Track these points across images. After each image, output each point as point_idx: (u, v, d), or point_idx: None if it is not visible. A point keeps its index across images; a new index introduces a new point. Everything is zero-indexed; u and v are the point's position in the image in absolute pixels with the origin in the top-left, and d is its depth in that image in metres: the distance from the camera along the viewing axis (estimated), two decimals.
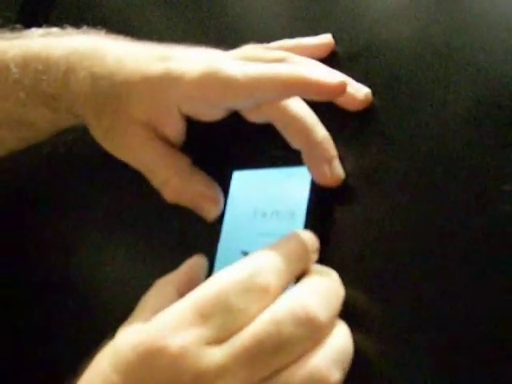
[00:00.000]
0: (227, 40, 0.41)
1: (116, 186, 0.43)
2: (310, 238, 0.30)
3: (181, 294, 0.29)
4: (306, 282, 0.27)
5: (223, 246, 0.33)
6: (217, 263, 0.33)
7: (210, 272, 0.32)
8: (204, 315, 0.24)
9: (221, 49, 0.37)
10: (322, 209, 0.32)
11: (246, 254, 0.31)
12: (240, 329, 0.24)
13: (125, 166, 0.37)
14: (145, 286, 0.31)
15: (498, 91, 0.30)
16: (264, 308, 0.25)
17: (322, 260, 0.30)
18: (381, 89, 0.34)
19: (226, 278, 0.25)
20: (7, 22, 0.42)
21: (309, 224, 0.31)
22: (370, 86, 0.34)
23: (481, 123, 0.30)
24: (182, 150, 0.38)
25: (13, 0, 0.58)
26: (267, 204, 0.33)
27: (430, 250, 0.28)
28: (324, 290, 0.27)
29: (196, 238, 0.37)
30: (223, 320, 0.24)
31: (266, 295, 0.25)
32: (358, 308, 0.29)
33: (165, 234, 0.39)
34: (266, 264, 0.26)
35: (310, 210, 0.31)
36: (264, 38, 0.39)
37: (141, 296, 0.31)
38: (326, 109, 0.34)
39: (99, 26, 0.40)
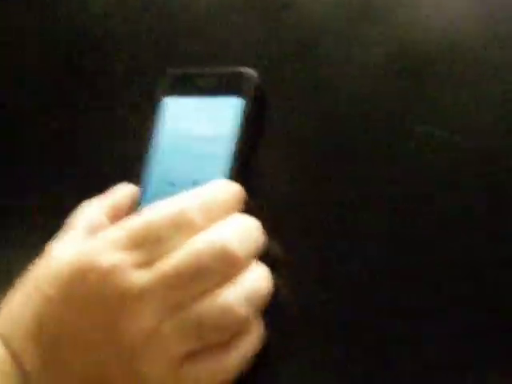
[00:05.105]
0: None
1: None
2: (239, 190, 0.30)
3: (108, 217, 0.32)
4: (229, 222, 0.28)
5: (153, 170, 0.33)
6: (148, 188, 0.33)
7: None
8: (137, 242, 0.27)
9: None
10: (251, 135, 0.32)
11: (172, 184, 0.32)
12: (165, 257, 0.27)
13: None
14: None
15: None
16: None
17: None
18: None
19: (158, 211, 0.28)
20: None
21: (237, 149, 0.31)
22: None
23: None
24: None
25: None
26: (197, 129, 0.33)
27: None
28: (245, 231, 0.28)
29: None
30: (152, 248, 0.27)
31: (192, 229, 0.27)
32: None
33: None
34: (194, 202, 0.28)
35: (239, 135, 0.31)
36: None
37: None
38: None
39: None
